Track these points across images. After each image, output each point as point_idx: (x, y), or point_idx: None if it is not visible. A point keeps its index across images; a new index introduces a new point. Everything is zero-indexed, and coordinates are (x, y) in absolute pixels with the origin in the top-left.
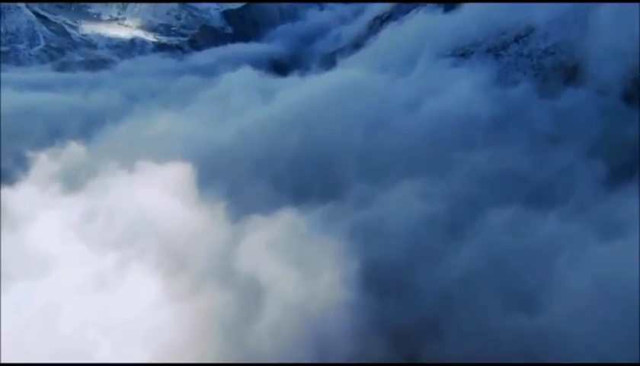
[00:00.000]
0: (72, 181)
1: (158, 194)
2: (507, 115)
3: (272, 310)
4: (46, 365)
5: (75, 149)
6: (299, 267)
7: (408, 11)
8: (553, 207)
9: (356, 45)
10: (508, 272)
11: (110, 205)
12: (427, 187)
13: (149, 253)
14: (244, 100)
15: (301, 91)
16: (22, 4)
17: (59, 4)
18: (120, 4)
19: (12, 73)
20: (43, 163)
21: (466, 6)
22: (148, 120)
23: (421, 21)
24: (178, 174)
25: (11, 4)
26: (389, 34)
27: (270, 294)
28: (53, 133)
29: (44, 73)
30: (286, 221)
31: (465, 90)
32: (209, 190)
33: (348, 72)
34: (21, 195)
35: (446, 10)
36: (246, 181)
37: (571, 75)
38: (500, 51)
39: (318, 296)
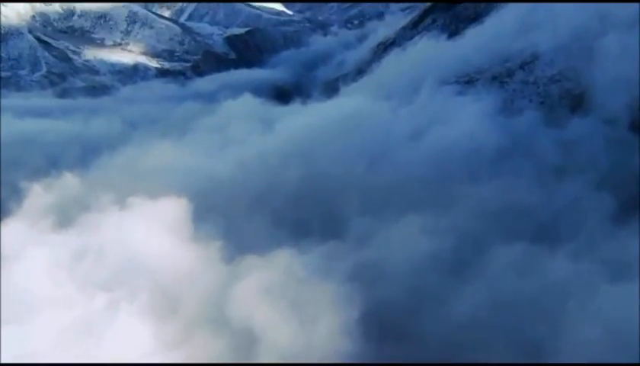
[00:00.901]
0: (64, 216)
1: (151, 231)
2: (513, 145)
3: (267, 361)
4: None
5: (69, 181)
6: (295, 313)
7: (411, 38)
8: (561, 244)
9: (360, 71)
10: (515, 317)
11: (102, 243)
12: (431, 222)
13: (139, 296)
14: (244, 129)
15: (302, 120)
16: (25, 30)
17: (63, 30)
18: (123, 29)
19: (12, 99)
20: (37, 195)
21: (470, 33)
22: (146, 149)
23: (425, 48)
24: (173, 209)
25: (14, 30)
26: (392, 61)
27: (265, 343)
28: (51, 162)
29: (44, 99)
30: (284, 262)
31: (469, 119)
32: (204, 226)
33: (350, 101)
34: (12, 230)
35: (450, 36)
36: (243, 216)
37: (577, 103)
38: (505, 78)
39: (315, 345)
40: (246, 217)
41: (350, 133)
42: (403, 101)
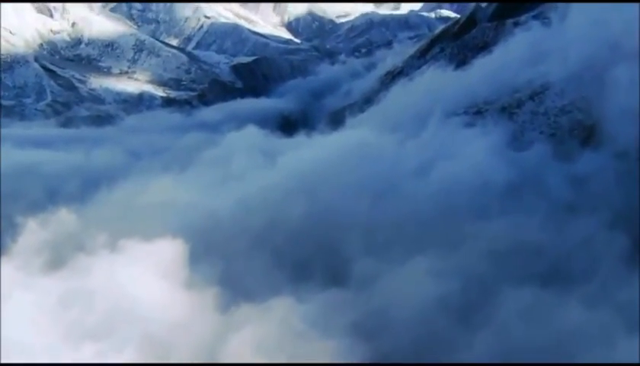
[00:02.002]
0: (57, 255)
1: (144, 275)
2: (522, 180)
3: None
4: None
5: (64, 217)
6: None
7: (419, 67)
8: (573, 287)
9: (367, 101)
10: None
11: (92, 287)
12: (437, 263)
13: (128, 346)
14: (246, 163)
15: (305, 154)
16: (31, 58)
17: (70, 58)
18: (130, 58)
19: (15, 128)
20: (31, 231)
21: (478, 62)
22: (145, 184)
23: (432, 78)
24: (169, 251)
25: (20, 58)
26: (400, 91)
27: None
28: (49, 195)
29: (47, 129)
30: (282, 313)
31: (477, 153)
32: (201, 269)
33: (355, 134)
34: (2, 270)
35: (458, 66)
36: (242, 257)
37: (588, 135)
38: (514, 109)
39: None
40: (245, 258)
41: (354, 168)
42: (410, 133)
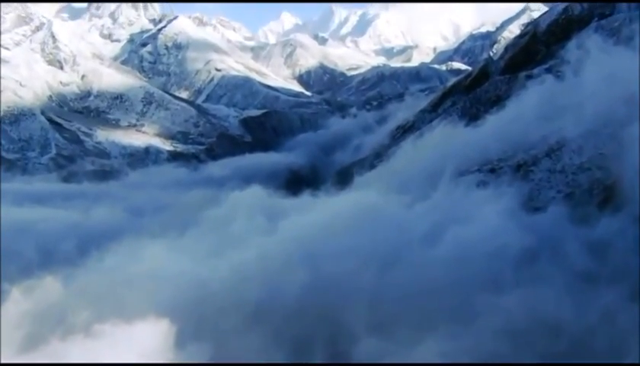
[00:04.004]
0: (36, 331)
1: (124, 361)
2: (538, 247)
3: None
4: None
5: (50, 287)
6: None
7: (431, 121)
8: None
9: (377, 155)
10: None
11: None
12: (449, 343)
13: None
14: (247, 226)
15: (309, 218)
16: (37, 111)
17: (78, 110)
18: (139, 110)
19: (15, 183)
20: (14, 302)
21: (491, 117)
22: (140, 248)
23: (444, 133)
24: (153, 332)
25: (26, 111)
26: (410, 148)
27: None
28: (44, 255)
29: (48, 184)
30: None
31: (491, 216)
32: (189, 351)
33: (362, 196)
34: None
35: (470, 120)
36: (236, 336)
37: (608, 195)
38: (530, 167)
39: None
40: (239, 336)
41: (360, 234)
42: (420, 194)
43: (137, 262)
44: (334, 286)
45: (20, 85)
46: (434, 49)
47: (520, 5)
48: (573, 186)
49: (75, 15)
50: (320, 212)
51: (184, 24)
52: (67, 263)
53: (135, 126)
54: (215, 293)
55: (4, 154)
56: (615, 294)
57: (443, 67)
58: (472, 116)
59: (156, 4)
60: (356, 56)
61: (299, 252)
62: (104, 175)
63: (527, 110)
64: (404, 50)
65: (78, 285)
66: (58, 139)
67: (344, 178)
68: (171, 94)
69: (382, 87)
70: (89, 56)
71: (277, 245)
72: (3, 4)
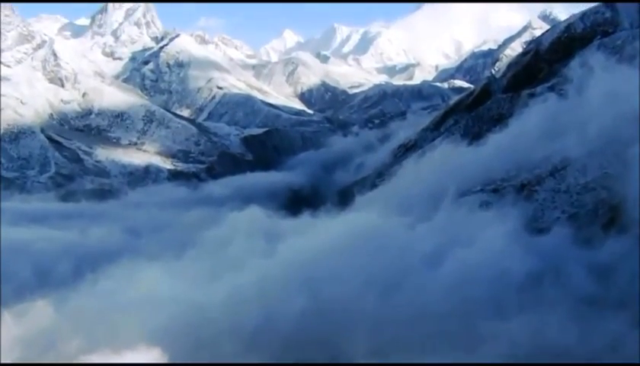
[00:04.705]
0: (27, 357)
1: None
2: (542, 270)
3: None
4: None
5: (42, 311)
6: None
7: (433, 139)
8: None
9: (379, 174)
10: None
11: None
12: None
13: None
14: (246, 248)
15: (309, 240)
16: (37, 129)
17: (79, 128)
18: (139, 128)
19: (13, 202)
20: (6, 326)
21: (493, 136)
22: (135, 270)
23: (446, 153)
24: (147, 359)
25: (26, 130)
26: (412, 167)
27: None
28: (39, 276)
29: (46, 203)
30: None
31: (495, 239)
32: None
33: (363, 217)
34: None
35: (473, 139)
36: (232, 362)
37: (613, 216)
38: (534, 187)
39: None
40: (235, 362)
41: (360, 256)
42: (421, 215)
43: (132, 286)
44: (334, 310)
45: (21, 102)
46: (436, 66)
47: (522, 23)
48: (577, 206)
49: (77, 33)
50: (320, 234)
51: (186, 42)
52: (62, 285)
53: (135, 144)
54: (211, 319)
55: (3, 172)
56: (620, 319)
57: (445, 85)
58: (474, 134)
59: (158, 22)
60: (358, 74)
61: (298, 275)
62: (102, 194)
63: (530, 129)
64: (406, 68)
65: (70, 310)
66: (57, 157)
67: (345, 198)
68: (172, 113)
69: (384, 105)
70: (90, 73)
71: (276, 269)
72: (4, 23)
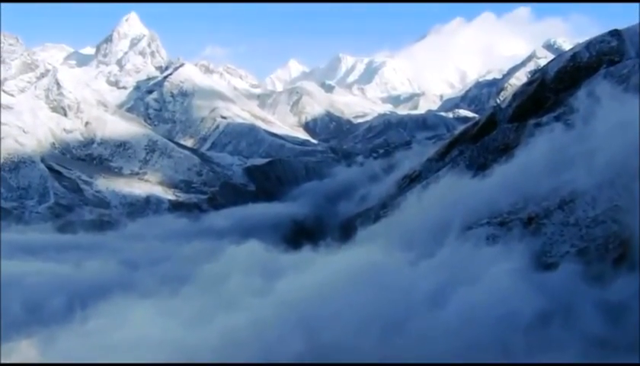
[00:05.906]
0: None
1: None
2: (550, 310)
3: None
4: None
5: (26, 352)
6: None
7: (438, 170)
8: None
9: (383, 206)
10: None
11: None
12: None
13: None
14: (242, 286)
15: (308, 277)
16: (37, 159)
17: (81, 158)
18: (142, 158)
19: (9, 233)
20: None
21: (499, 167)
22: (129, 309)
23: (451, 184)
24: None
25: (26, 159)
26: (416, 199)
27: None
28: (30, 312)
29: (42, 234)
30: None
31: (501, 276)
32: None
33: (365, 252)
34: None
35: (479, 170)
36: None
37: (623, 251)
38: (542, 220)
39: None
40: None
41: (361, 295)
42: (425, 250)
43: (122, 326)
44: (332, 353)
45: (23, 131)
46: (441, 96)
47: (527, 52)
48: (587, 240)
49: (82, 62)
50: (320, 270)
51: (191, 71)
52: (52, 322)
53: (137, 174)
54: (202, 363)
55: (2, 203)
56: (632, 363)
57: (450, 114)
58: (479, 165)
59: (163, 51)
60: (362, 104)
61: (295, 316)
62: (101, 225)
63: (537, 160)
64: (411, 98)
65: (55, 352)
66: (57, 187)
67: (347, 231)
68: (174, 142)
69: (389, 135)
70: (93, 103)
71: (272, 309)
72: (7, 52)
